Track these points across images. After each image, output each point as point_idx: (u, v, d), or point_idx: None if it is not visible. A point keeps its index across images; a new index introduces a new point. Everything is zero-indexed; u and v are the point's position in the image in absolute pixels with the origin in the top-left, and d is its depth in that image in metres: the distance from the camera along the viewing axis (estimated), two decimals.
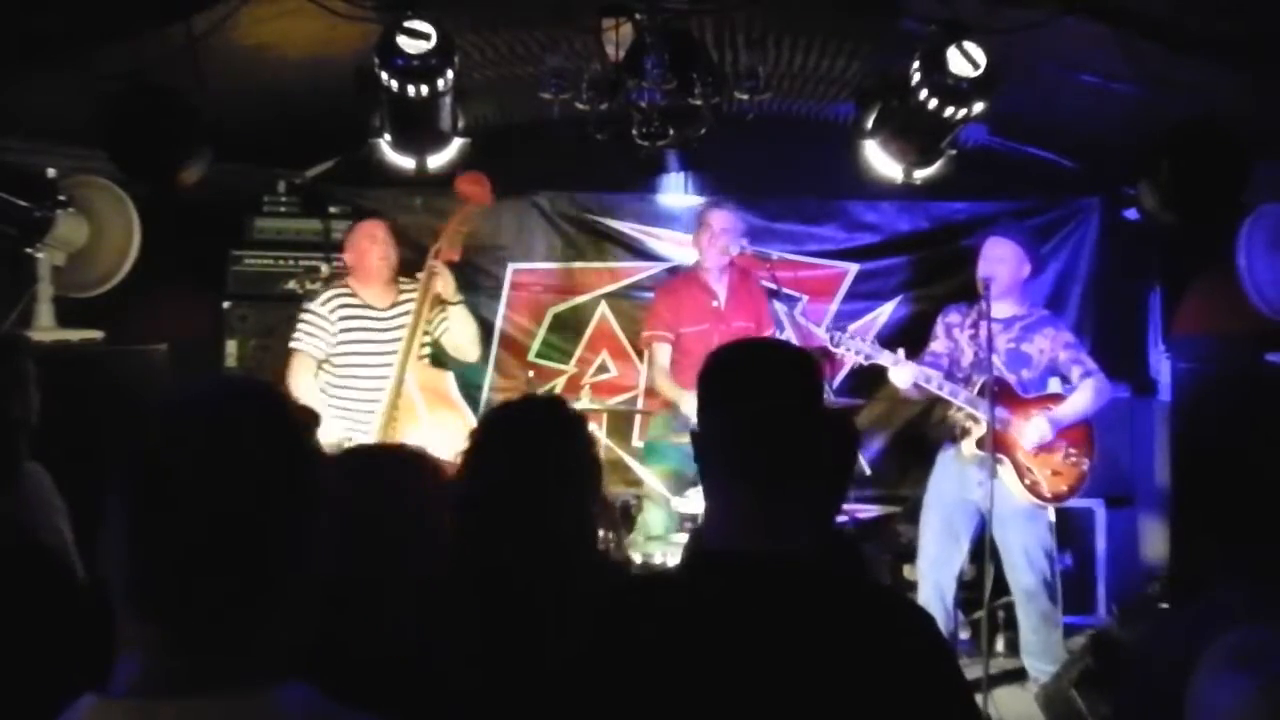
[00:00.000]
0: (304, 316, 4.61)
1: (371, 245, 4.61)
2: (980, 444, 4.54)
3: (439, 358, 4.82)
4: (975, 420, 4.56)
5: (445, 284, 4.63)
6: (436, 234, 4.79)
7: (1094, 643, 4.43)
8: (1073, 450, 4.64)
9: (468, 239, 4.89)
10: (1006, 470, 4.53)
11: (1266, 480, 1.84)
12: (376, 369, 4.59)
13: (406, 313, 4.65)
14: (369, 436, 4.42)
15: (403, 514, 1.93)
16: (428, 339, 4.70)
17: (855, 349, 4.55)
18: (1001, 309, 4.61)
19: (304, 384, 4.51)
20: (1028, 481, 4.58)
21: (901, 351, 4.62)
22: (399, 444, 2.77)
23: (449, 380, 4.66)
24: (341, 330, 4.59)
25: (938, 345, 4.80)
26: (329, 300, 4.61)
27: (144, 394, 4.32)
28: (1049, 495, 4.61)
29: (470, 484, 2.13)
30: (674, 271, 5.70)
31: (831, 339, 4.60)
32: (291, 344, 4.58)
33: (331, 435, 4.38)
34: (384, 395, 4.50)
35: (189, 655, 1.06)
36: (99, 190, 4.53)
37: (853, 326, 5.51)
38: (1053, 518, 4.69)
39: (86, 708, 1.05)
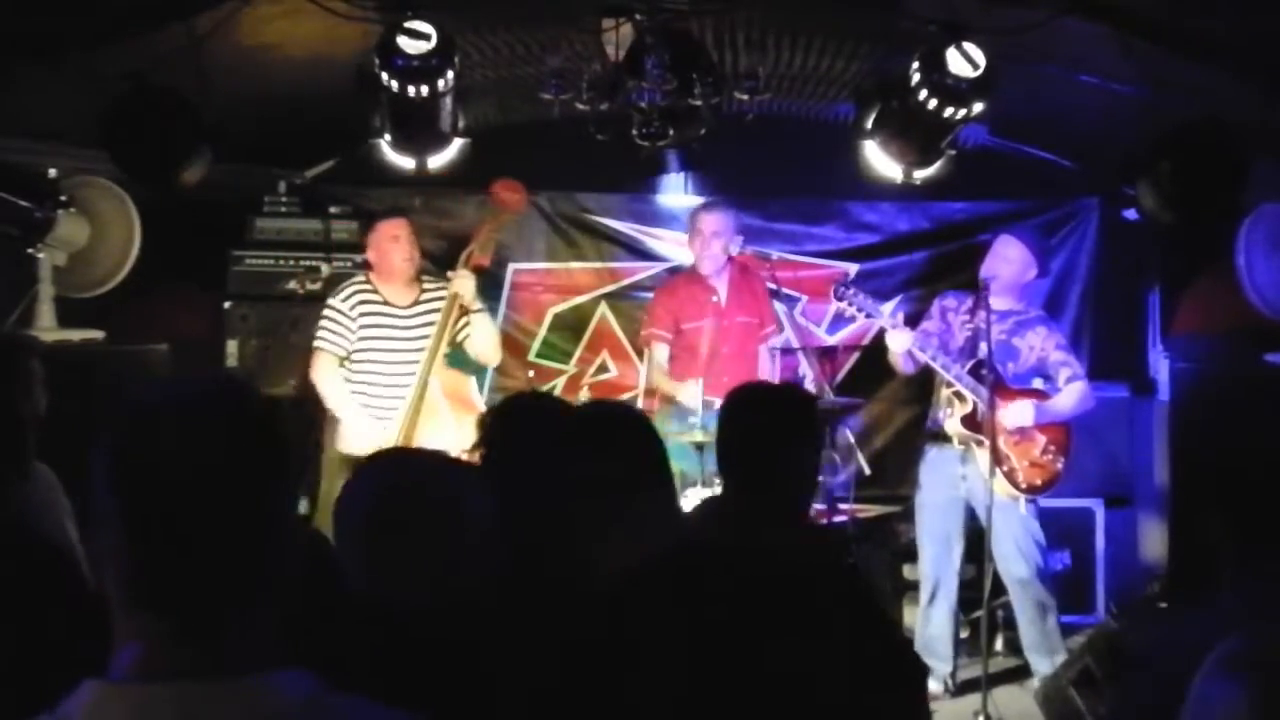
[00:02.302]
0: (326, 314, 4.59)
1: (394, 245, 4.59)
2: (966, 422, 4.59)
3: (457, 361, 4.80)
4: (961, 399, 4.60)
5: (467, 291, 4.60)
6: (469, 238, 4.78)
7: (1092, 642, 4.43)
8: (1051, 446, 4.69)
9: (449, 236, 4.87)
10: (984, 455, 4.55)
11: (1266, 481, 1.84)
12: (396, 366, 4.58)
13: (428, 311, 4.64)
14: (390, 435, 4.42)
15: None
16: (449, 344, 4.68)
17: (859, 305, 4.64)
18: (999, 303, 4.65)
19: (330, 382, 4.53)
20: (1005, 469, 4.60)
21: (901, 315, 4.73)
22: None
23: (471, 385, 4.69)
24: (362, 327, 4.59)
25: (930, 325, 4.86)
26: (350, 296, 4.59)
27: None
28: (1024, 485, 4.64)
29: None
30: (674, 271, 5.71)
31: (835, 293, 4.69)
32: (315, 343, 4.57)
33: (355, 431, 4.44)
34: (405, 394, 4.49)
35: (186, 642, 1.07)
36: (100, 190, 4.53)
37: (851, 327, 5.54)
38: (1023, 509, 4.70)
39: (88, 692, 1.06)
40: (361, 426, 4.45)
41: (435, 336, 4.53)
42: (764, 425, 2.62)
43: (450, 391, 4.54)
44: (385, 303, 4.63)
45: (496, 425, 2.39)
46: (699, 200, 5.73)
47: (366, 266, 4.74)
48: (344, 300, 4.59)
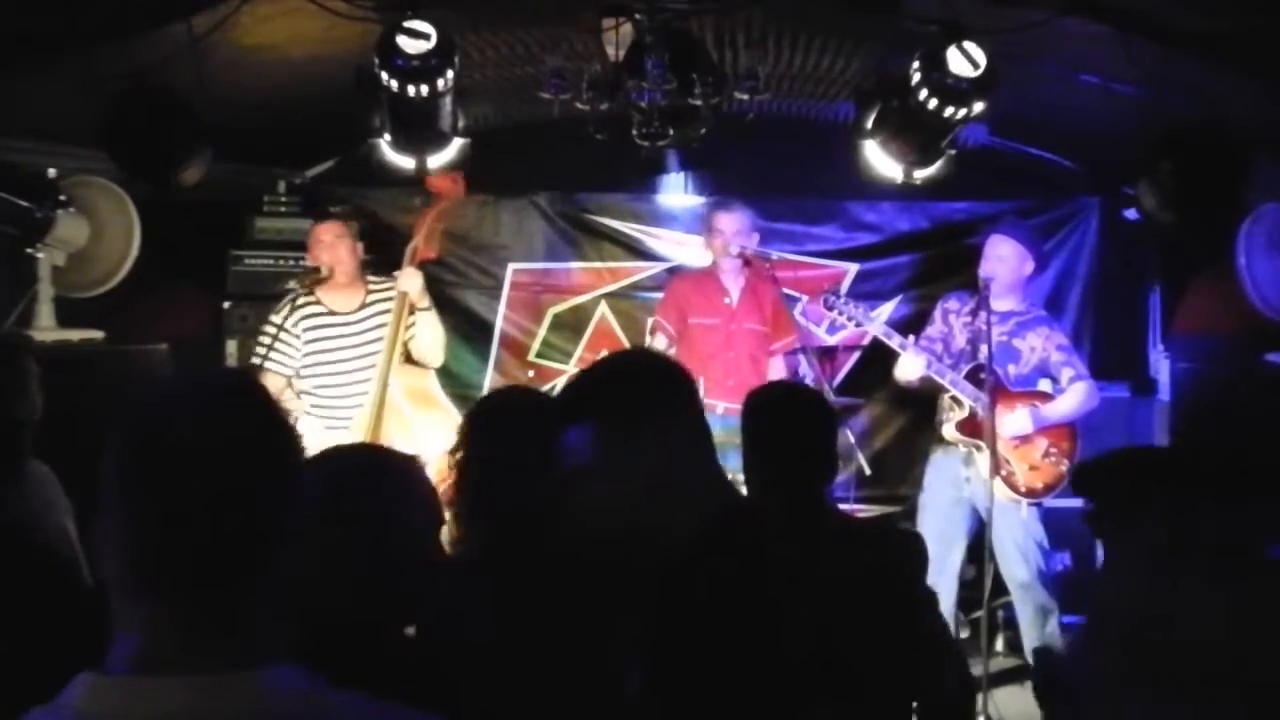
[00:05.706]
0: (268, 331, 4.47)
1: (321, 251, 4.51)
2: (960, 427, 4.59)
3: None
4: (958, 403, 4.61)
5: (413, 289, 4.52)
6: (411, 233, 4.74)
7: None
8: (1054, 449, 4.66)
9: (451, 236, 4.82)
10: (983, 459, 4.54)
11: (1265, 481, 1.84)
12: (350, 374, 4.52)
13: (377, 313, 4.58)
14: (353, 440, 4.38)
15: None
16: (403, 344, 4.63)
17: (849, 314, 4.67)
18: (999, 304, 4.66)
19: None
20: (1003, 473, 4.59)
21: (882, 308, 4.76)
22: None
23: (431, 379, 4.64)
24: (308, 342, 4.52)
25: (933, 330, 4.88)
26: (292, 312, 4.47)
27: None
28: (1023, 489, 4.63)
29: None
30: (674, 271, 5.72)
31: (825, 302, 4.73)
32: (257, 362, 4.42)
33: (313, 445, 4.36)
34: (363, 400, 4.45)
35: (184, 635, 1.08)
36: (99, 190, 4.52)
37: (851, 328, 5.53)
38: (1025, 513, 4.68)
39: (84, 685, 1.07)
40: (316, 441, 4.35)
41: (389, 338, 4.46)
42: (799, 422, 2.63)
43: (411, 390, 4.49)
44: (329, 312, 4.55)
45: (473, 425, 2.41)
46: (699, 200, 5.73)
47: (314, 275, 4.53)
48: (286, 317, 4.45)
